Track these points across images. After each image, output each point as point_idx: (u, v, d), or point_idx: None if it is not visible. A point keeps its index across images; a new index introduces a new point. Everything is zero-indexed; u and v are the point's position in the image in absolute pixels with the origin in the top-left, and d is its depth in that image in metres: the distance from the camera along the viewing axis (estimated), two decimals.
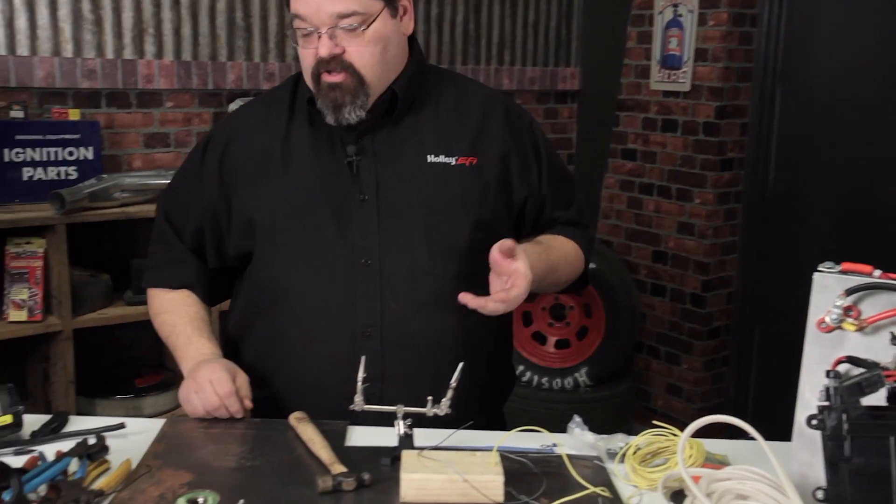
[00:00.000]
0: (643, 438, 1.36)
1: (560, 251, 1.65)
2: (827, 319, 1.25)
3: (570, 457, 1.33)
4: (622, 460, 1.34)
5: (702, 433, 1.24)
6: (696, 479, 1.16)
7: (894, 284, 1.22)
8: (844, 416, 1.21)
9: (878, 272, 1.24)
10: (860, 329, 1.23)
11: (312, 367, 1.55)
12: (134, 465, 1.29)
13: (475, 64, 3.76)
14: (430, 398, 1.36)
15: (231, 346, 1.69)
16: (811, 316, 1.27)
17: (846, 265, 1.26)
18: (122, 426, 1.43)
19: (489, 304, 1.40)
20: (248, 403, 1.46)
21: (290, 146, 1.59)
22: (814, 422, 1.24)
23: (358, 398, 1.37)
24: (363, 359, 1.39)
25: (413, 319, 1.53)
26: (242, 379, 1.48)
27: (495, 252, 1.39)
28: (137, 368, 2.92)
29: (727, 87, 3.56)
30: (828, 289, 1.25)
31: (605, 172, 4.04)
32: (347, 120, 1.51)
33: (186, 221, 1.66)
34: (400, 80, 1.57)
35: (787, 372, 2.52)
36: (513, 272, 1.40)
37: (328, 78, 1.49)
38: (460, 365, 1.37)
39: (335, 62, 1.48)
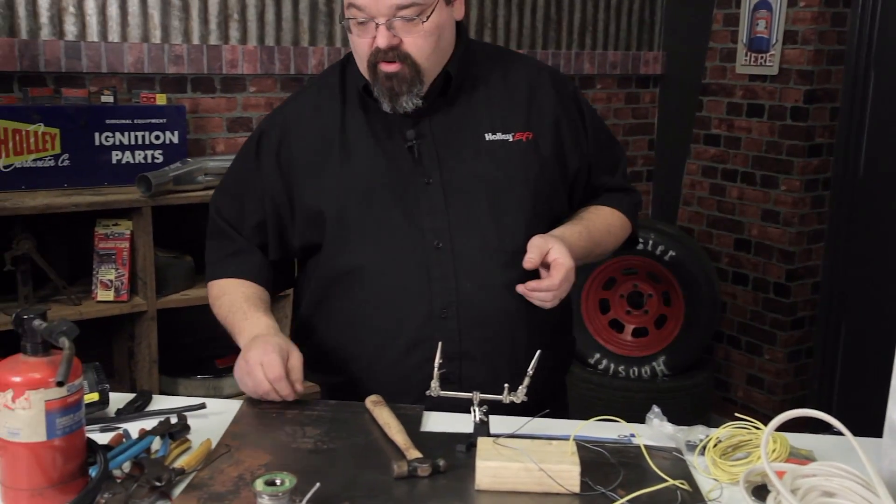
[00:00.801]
0: (724, 431, 1.33)
1: (603, 224, 1.69)
2: None
3: (648, 448, 1.31)
4: (702, 453, 1.31)
5: (785, 427, 1.20)
6: (780, 474, 1.13)
7: None
8: None
9: None
10: None
11: (391, 352, 1.56)
12: (213, 445, 1.31)
13: (556, 48, 3.71)
14: (506, 385, 1.36)
15: (303, 334, 1.71)
16: None
17: None
18: (202, 406, 1.46)
19: (534, 297, 1.49)
20: (299, 387, 1.46)
21: (348, 134, 1.59)
22: None
23: (434, 384, 1.37)
24: (440, 344, 1.39)
25: (488, 298, 1.55)
26: (296, 359, 1.46)
27: (528, 262, 1.47)
28: (218, 349, 2.98)
29: (817, 70, 3.44)
30: None
31: (687, 158, 3.96)
32: (404, 108, 1.52)
33: (244, 216, 1.67)
34: (452, 62, 1.57)
35: (875, 366, 2.43)
36: (552, 263, 1.47)
37: (385, 67, 1.49)
38: (538, 353, 1.36)
39: (392, 52, 1.48)
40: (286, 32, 3.09)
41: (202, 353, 2.95)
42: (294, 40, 3.10)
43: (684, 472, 1.28)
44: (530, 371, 1.35)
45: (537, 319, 1.57)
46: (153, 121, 2.74)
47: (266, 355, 1.43)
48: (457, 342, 1.54)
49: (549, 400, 1.54)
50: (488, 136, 1.58)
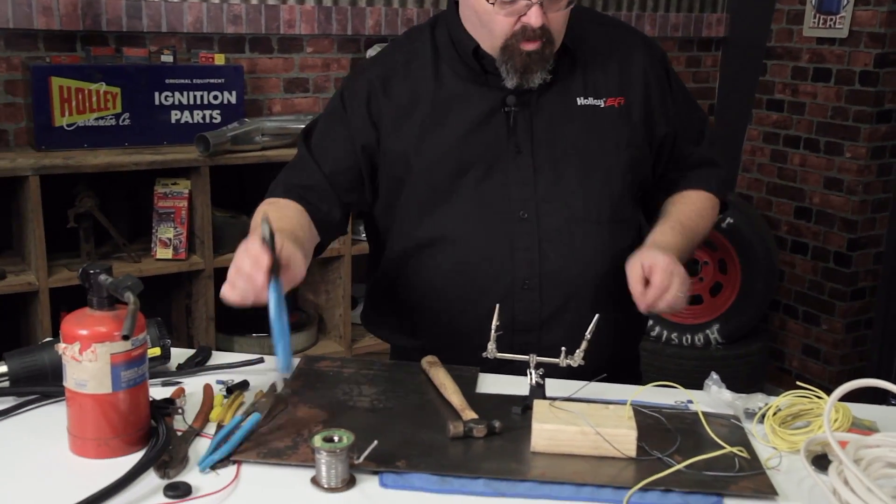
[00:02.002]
0: (784, 399, 1.31)
1: (696, 213, 1.64)
2: None
3: (705, 414, 1.29)
4: (761, 421, 1.30)
5: (845, 398, 1.17)
6: (842, 444, 1.11)
7: None
8: None
9: None
10: None
11: (472, 318, 1.54)
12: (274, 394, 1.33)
13: (616, 9, 3.64)
14: (563, 348, 1.35)
15: (380, 298, 1.71)
16: None
17: None
18: (261, 360, 1.48)
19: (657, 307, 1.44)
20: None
21: (442, 96, 1.57)
22: None
23: (491, 346, 1.37)
24: (497, 307, 1.39)
25: (571, 269, 1.54)
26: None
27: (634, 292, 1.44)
28: None
29: (890, 32, 3.32)
30: None
31: (749, 124, 3.87)
32: (532, 83, 1.50)
33: (329, 160, 1.62)
34: (566, 33, 1.54)
35: None
36: (650, 269, 1.43)
37: (527, 45, 1.46)
38: (596, 316, 1.35)
39: (541, 30, 1.46)
40: None
41: (257, 312, 2.98)
42: (352, 1, 3.09)
43: (742, 440, 1.26)
44: (588, 335, 1.34)
45: (620, 290, 1.52)
46: (211, 81, 2.76)
47: (247, 244, 1.30)
48: (538, 313, 1.54)
49: (621, 368, 1.54)
50: (580, 101, 1.56)
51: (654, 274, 1.42)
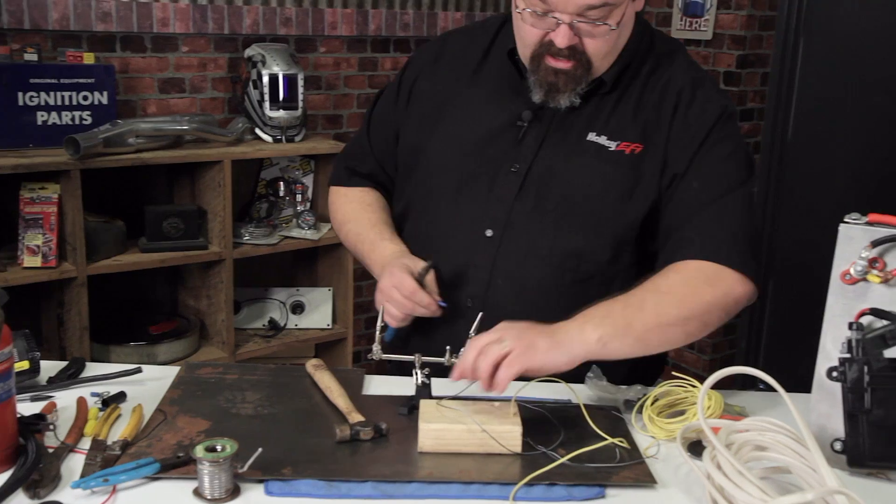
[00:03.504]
0: (661, 389, 1.36)
1: (644, 288, 1.35)
2: (851, 271, 1.23)
3: (587, 407, 1.33)
4: (640, 411, 1.34)
5: (718, 385, 1.23)
6: (715, 430, 1.16)
7: None
8: (866, 368, 1.20)
9: None
10: (885, 281, 1.21)
11: (416, 328, 1.51)
12: (150, 412, 1.29)
13: (387, 6, 3.33)
14: (448, 347, 1.36)
15: None
16: (835, 268, 1.25)
17: (872, 216, 1.24)
18: (138, 370, 1.43)
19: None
20: (437, 298, 1.43)
21: (471, 94, 1.54)
22: (835, 374, 1.23)
23: (376, 347, 1.37)
24: (382, 309, 1.38)
25: (515, 301, 1.46)
26: (430, 274, 1.44)
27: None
28: (152, 315, 2.93)
29: (750, 35, 3.49)
30: (853, 240, 1.23)
31: None
32: (559, 103, 1.42)
33: (379, 144, 1.66)
34: (615, 65, 1.45)
35: (800, 324, 2.50)
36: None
37: (554, 63, 1.38)
38: (479, 315, 1.35)
39: (568, 51, 1.36)
40: None
41: (136, 319, 2.89)
42: None
43: (623, 431, 1.30)
44: (472, 333, 1.35)
45: None
46: (80, 80, 2.65)
47: (393, 277, 1.42)
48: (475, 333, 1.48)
49: None
50: (590, 136, 1.45)
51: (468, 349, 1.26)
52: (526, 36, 1.40)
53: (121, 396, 1.33)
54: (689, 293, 1.35)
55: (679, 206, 1.42)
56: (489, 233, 1.47)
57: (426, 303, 1.41)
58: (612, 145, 1.44)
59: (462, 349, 1.33)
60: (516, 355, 1.22)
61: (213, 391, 1.38)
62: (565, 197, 1.45)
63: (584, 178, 1.44)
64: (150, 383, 1.40)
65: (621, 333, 1.30)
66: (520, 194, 1.46)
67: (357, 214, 1.64)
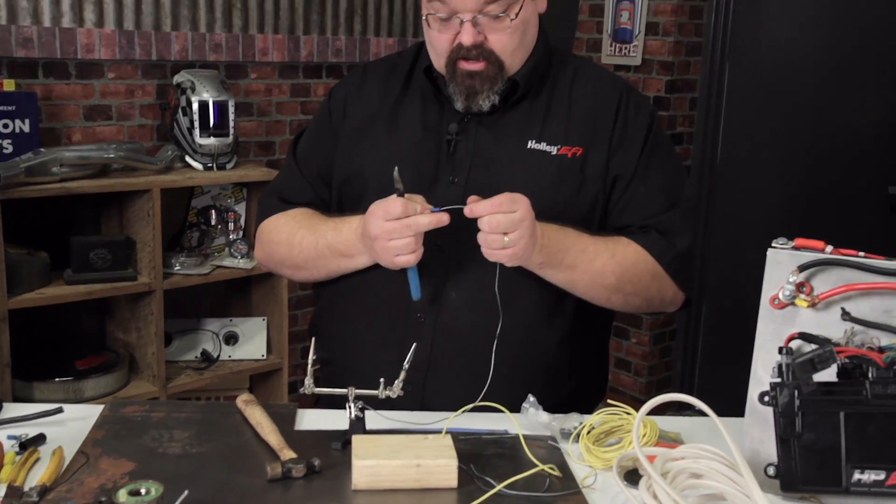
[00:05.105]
0: (597, 418, 1.35)
1: (605, 246, 1.47)
2: (780, 296, 1.24)
3: (524, 437, 1.31)
4: (577, 440, 1.33)
5: (653, 410, 1.23)
6: (651, 458, 1.15)
7: (846, 260, 1.22)
8: (796, 393, 1.21)
9: (829, 248, 1.23)
10: (812, 305, 1.23)
11: (366, 343, 1.50)
12: (72, 453, 1.24)
13: (319, 33, 3.34)
14: (381, 380, 1.33)
15: (316, 304, 1.69)
16: (765, 292, 1.26)
17: (799, 241, 1.26)
18: (59, 410, 1.38)
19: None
20: (427, 205, 1.37)
21: (398, 117, 1.55)
22: (766, 398, 1.24)
23: (308, 380, 1.34)
24: (313, 340, 1.36)
25: (468, 312, 1.46)
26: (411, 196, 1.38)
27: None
28: (78, 349, 2.84)
29: (677, 61, 3.56)
30: (781, 265, 1.24)
31: None
32: (480, 107, 1.46)
33: (311, 166, 1.63)
34: (525, 66, 1.50)
35: (733, 346, 2.54)
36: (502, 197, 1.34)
37: (466, 66, 1.43)
38: (413, 345, 1.34)
39: (476, 50, 1.42)
40: (146, 16, 2.95)
41: (61, 354, 2.80)
42: (156, 25, 2.97)
43: (559, 460, 1.29)
44: (406, 364, 1.33)
45: (527, 346, 1.48)
46: (0, 108, 2.57)
47: (377, 211, 1.36)
48: (427, 351, 1.47)
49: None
50: (531, 144, 1.49)
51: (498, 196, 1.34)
52: (437, 44, 1.46)
53: (40, 439, 1.27)
54: (634, 273, 1.48)
55: (626, 210, 1.51)
56: (439, 242, 1.45)
57: (421, 209, 1.35)
58: (553, 150, 1.49)
59: (397, 381, 1.32)
60: (509, 255, 1.35)
61: (138, 430, 1.33)
62: None
63: (531, 183, 1.46)
64: (71, 423, 1.34)
65: (562, 269, 1.44)
66: (464, 204, 1.45)
67: (307, 221, 1.57)
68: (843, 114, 3.28)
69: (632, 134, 1.52)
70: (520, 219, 1.33)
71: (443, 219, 1.36)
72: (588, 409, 1.42)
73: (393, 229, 1.35)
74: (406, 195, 1.37)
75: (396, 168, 1.35)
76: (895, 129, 3.16)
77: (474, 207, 1.34)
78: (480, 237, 1.34)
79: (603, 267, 1.45)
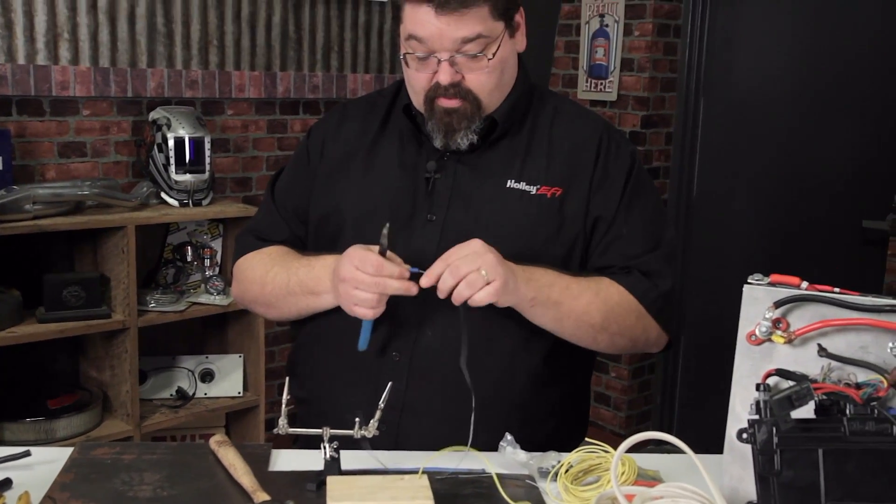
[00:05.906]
0: (575, 456, 1.33)
1: (588, 285, 1.46)
2: (756, 332, 1.24)
3: (501, 477, 1.30)
4: (555, 479, 1.32)
5: (631, 447, 1.21)
6: (629, 497, 1.14)
7: (821, 296, 1.22)
8: (774, 430, 1.21)
9: (804, 284, 1.23)
10: (789, 341, 1.23)
11: (342, 382, 1.49)
12: (39, 498, 1.21)
13: (296, 69, 3.35)
14: (357, 419, 1.31)
15: (294, 341, 1.68)
16: (741, 328, 1.26)
17: (774, 277, 1.26)
18: (27, 454, 1.35)
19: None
20: (405, 266, 1.35)
21: (376, 154, 1.55)
22: (744, 435, 1.23)
23: (282, 421, 1.32)
24: (287, 380, 1.34)
25: (444, 351, 1.44)
26: (390, 253, 1.37)
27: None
28: (50, 389, 2.79)
29: (653, 96, 3.59)
30: (757, 301, 1.24)
31: None
32: (458, 145, 1.46)
33: (288, 204, 1.63)
34: (504, 104, 1.50)
35: (711, 380, 2.55)
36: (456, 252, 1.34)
37: (444, 103, 1.43)
38: (389, 384, 1.32)
39: (453, 89, 1.42)
40: (122, 53, 2.94)
41: (33, 393, 2.75)
42: (131, 62, 2.97)
43: (537, 499, 1.27)
44: (381, 403, 1.31)
45: (502, 389, 1.46)
46: None
47: (353, 258, 1.35)
48: (402, 390, 1.45)
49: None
50: (510, 184, 1.49)
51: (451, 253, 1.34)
52: (415, 82, 1.46)
53: (6, 483, 1.24)
54: (618, 312, 1.47)
55: (608, 251, 1.51)
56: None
57: (397, 273, 1.34)
58: (533, 189, 1.49)
59: (373, 420, 1.30)
60: (496, 288, 1.31)
61: (108, 473, 1.30)
62: (489, 240, 1.40)
63: (510, 223, 1.47)
64: (39, 467, 1.31)
65: (550, 307, 1.42)
66: (441, 244, 1.44)
67: (281, 258, 1.57)
68: (817, 148, 3.32)
69: (613, 175, 1.52)
70: (479, 251, 1.33)
71: (411, 289, 1.34)
72: (567, 448, 1.40)
73: (361, 281, 1.34)
74: (389, 254, 1.36)
75: (388, 224, 1.35)
76: (869, 163, 3.20)
77: (428, 274, 1.33)
78: (460, 288, 1.31)
79: (588, 305, 1.44)
